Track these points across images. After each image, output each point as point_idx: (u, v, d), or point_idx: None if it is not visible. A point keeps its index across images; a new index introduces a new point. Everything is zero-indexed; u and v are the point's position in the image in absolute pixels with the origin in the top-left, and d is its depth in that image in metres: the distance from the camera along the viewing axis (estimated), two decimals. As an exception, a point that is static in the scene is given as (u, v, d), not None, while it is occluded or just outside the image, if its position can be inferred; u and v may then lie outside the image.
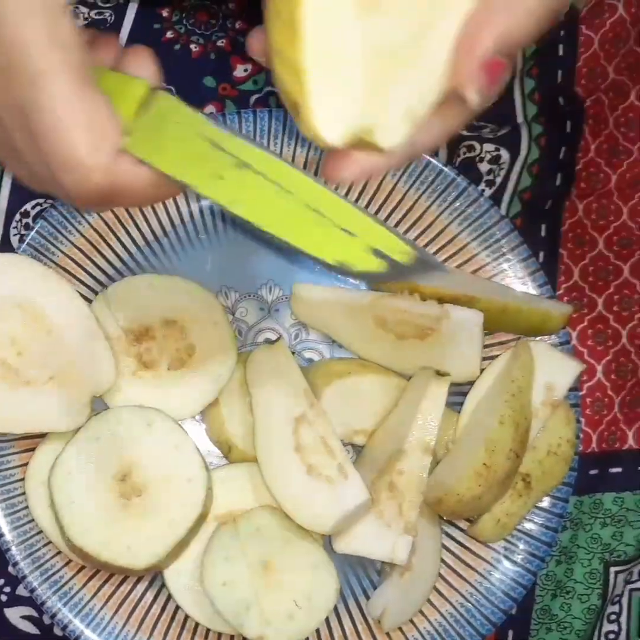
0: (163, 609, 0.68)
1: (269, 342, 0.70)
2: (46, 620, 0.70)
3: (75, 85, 0.43)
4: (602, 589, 0.70)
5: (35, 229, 0.69)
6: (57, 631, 0.70)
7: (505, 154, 0.74)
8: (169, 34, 0.75)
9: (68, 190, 0.45)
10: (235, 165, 0.47)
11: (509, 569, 0.69)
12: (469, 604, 0.68)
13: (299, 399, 0.66)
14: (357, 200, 0.71)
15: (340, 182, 0.47)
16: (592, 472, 0.71)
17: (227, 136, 0.47)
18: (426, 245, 0.71)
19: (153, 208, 0.71)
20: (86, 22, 0.75)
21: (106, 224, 0.71)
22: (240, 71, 0.76)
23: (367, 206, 0.71)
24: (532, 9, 0.43)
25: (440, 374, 0.65)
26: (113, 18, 0.75)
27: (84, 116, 0.43)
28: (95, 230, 0.70)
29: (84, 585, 0.67)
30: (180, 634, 0.67)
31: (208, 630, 0.67)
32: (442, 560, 0.69)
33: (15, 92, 0.43)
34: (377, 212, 0.71)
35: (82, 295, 0.68)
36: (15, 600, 0.71)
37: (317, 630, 0.67)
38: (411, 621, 0.68)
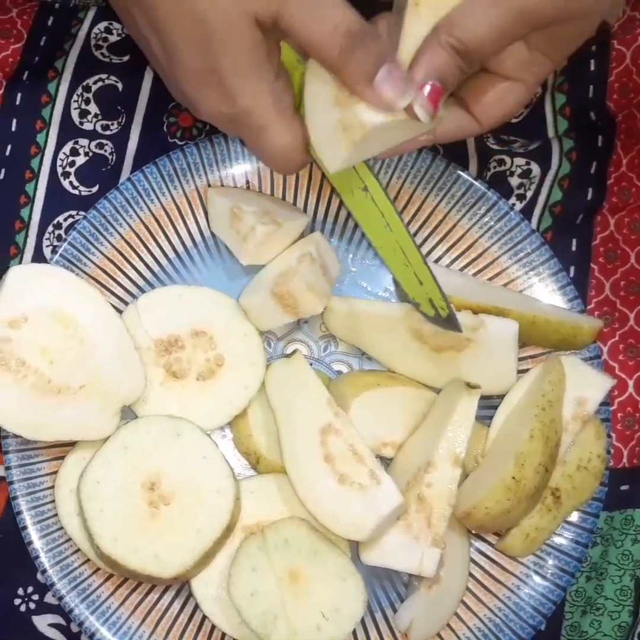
0: (190, 618, 0.68)
1: (286, 356, 0.70)
2: (74, 628, 0.71)
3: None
4: (633, 606, 0.69)
5: (67, 241, 0.70)
6: (85, 639, 0.71)
7: (536, 168, 0.74)
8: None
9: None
10: (362, 188, 0.65)
11: (539, 584, 0.68)
12: (498, 619, 0.68)
13: (323, 409, 0.66)
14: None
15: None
16: (623, 487, 0.70)
17: None
18: (456, 258, 0.72)
19: (183, 220, 0.72)
20: (120, 37, 0.76)
21: (137, 235, 0.71)
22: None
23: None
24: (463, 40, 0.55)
25: (471, 386, 0.65)
26: None
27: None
28: (127, 242, 0.71)
29: (112, 593, 0.68)
30: (206, 644, 0.68)
31: (234, 640, 0.67)
32: (471, 575, 0.68)
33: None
34: (407, 225, 0.71)
35: (113, 305, 0.69)
36: (43, 608, 0.71)
37: (344, 643, 0.67)
38: (439, 635, 0.67)
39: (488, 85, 0.61)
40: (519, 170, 0.74)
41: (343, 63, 0.55)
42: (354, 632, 0.67)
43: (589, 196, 0.74)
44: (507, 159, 0.74)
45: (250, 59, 0.56)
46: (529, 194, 0.74)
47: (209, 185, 0.72)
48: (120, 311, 0.70)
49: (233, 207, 0.69)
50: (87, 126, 0.75)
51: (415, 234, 0.72)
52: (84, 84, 0.75)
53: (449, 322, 0.65)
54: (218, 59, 0.55)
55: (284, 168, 0.61)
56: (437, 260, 0.72)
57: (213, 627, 0.67)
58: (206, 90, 0.57)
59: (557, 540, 0.68)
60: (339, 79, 0.56)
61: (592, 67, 0.73)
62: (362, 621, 0.67)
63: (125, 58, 0.76)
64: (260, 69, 0.56)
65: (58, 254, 0.70)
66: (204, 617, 0.67)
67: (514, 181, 0.74)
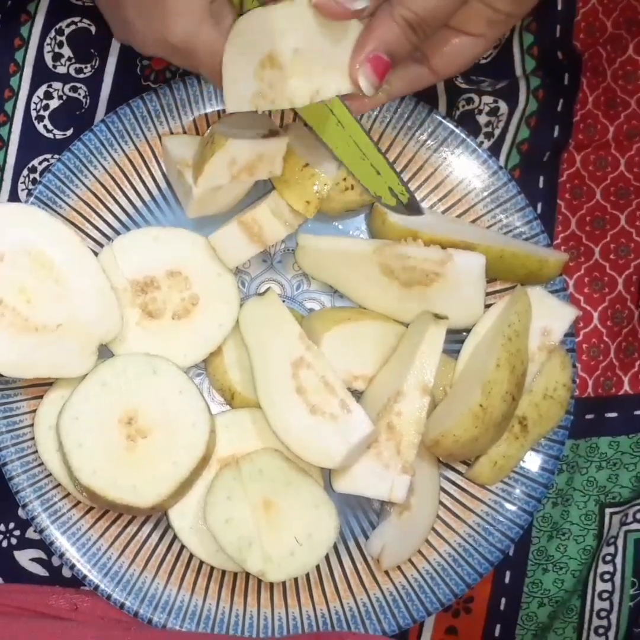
0: (168, 548, 0.70)
1: (259, 294, 0.71)
2: (55, 561, 0.72)
3: None
4: (598, 530, 0.71)
5: (42, 183, 0.71)
6: (66, 572, 0.72)
7: (503, 106, 0.74)
8: None
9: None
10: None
11: (507, 510, 0.70)
12: (467, 544, 0.70)
13: (294, 343, 0.67)
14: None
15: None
16: (588, 416, 0.72)
17: None
18: (426, 196, 0.73)
19: (158, 161, 0.72)
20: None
21: (112, 177, 0.72)
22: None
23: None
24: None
25: (438, 317, 0.66)
26: None
27: None
28: (102, 183, 0.72)
29: (92, 525, 0.69)
30: (184, 573, 0.69)
31: (212, 568, 0.69)
32: (441, 503, 0.70)
33: None
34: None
35: (89, 248, 0.69)
36: (25, 543, 0.72)
37: (318, 569, 0.69)
38: (410, 561, 0.69)
39: (449, 39, 0.62)
40: (486, 108, 0.74)
41: None
42: (328, 559, 0.69)
43: (556, 134, 0.74)
44: (476, 98, 0.75)
45: None
46: (497, 131, 0.75)
47: (183, 127, 0.72)
48: (96, 253, 0.70)
49: (177, 164, 0.69)
50: (61, 70, 0.75)
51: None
52: (57, 27, 0.75)
53: (411, 208, 0.65)
54: None
55: None
56: (406, 198, 0.73)
57: (191, 556, 0.69)
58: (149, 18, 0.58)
59: (525, 466, 0.70)
60: None
61: (560, 7, 0.73)
62: (336, 548, 0.69)
63: None
64: None
65: (33, 196, 0.70)
66: (182, 548, 0.69)
67: (482, 119, 0.75)
